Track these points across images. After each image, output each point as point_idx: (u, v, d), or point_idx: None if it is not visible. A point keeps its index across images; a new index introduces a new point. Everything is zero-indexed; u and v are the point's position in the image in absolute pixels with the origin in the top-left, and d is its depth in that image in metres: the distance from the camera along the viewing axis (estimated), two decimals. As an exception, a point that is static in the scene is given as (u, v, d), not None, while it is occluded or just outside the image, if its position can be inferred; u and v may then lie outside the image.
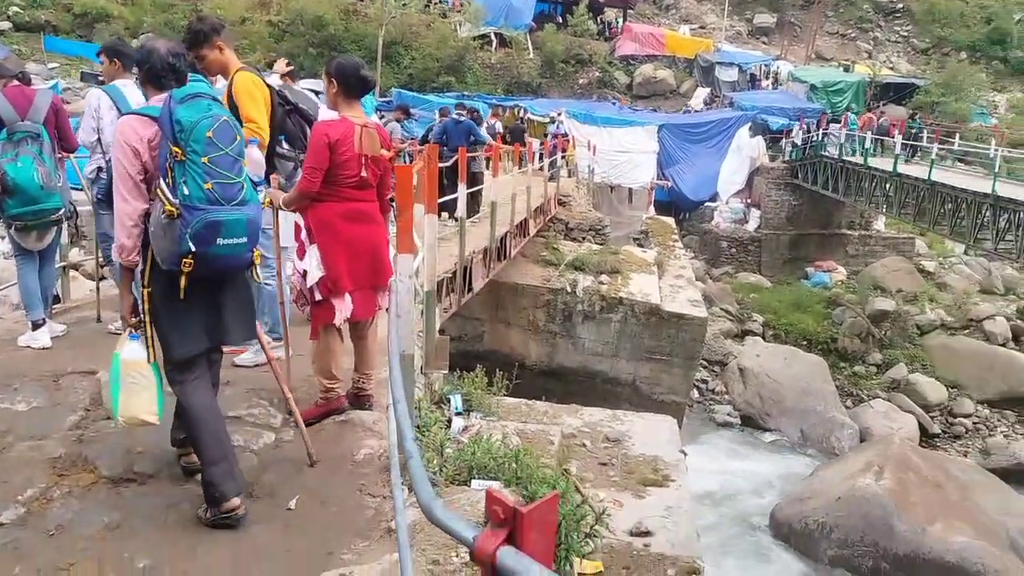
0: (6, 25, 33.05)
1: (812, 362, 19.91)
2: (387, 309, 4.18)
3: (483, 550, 1.11)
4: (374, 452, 3.85)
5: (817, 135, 25.83)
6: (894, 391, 19.84)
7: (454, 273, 8.59)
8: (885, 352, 21.15)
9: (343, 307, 4.05)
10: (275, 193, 4.18)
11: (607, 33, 41.16)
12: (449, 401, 5.38)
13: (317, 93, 6.30)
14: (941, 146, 20.90)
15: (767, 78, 37.85)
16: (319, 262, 3.96)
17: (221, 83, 4.90)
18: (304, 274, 4.01)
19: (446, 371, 5.43)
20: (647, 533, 4.67)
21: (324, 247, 3.97)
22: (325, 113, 5.14)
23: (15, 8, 33.96)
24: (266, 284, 4.83)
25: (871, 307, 21.89)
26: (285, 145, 4.70)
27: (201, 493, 3.23)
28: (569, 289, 15.23)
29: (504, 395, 6.38)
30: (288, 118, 4.65)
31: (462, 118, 13.17)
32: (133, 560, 2.99)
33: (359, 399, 4.35)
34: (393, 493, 1.94)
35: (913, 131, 24.73)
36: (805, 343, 21.55)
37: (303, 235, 4.07)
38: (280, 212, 4.26)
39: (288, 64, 6.24)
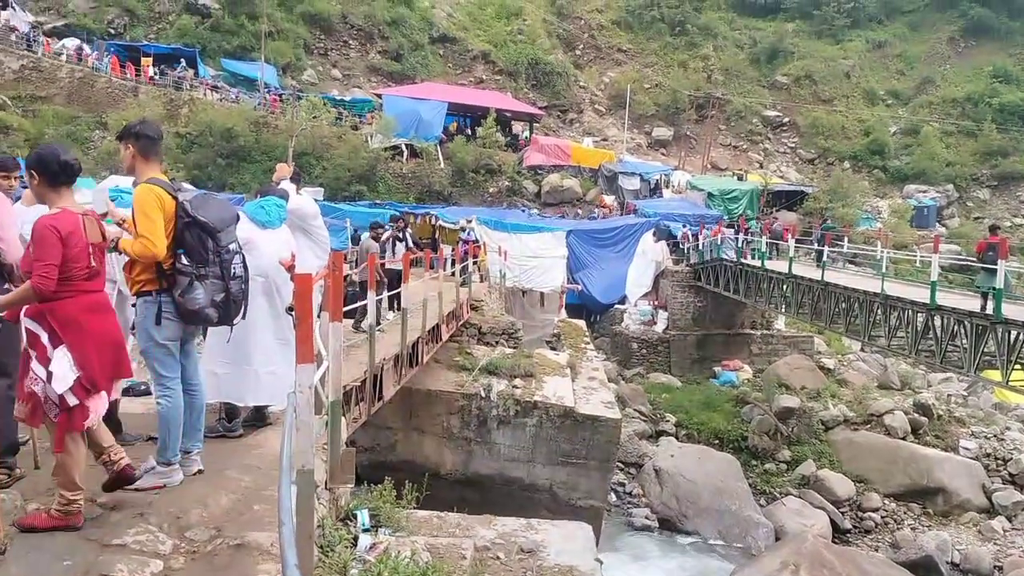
0: None
1: (725, 461, 20.13)
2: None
3: None
4: (271, 578, 3.60)
5: (736, 238, 26.49)
6: (804, 487, 20.15)
7: (363, 381, 8.38)
8: (793, 448, 21.57)
9: (99, 406, 3.89)
10: None
11: (516, 145, 42.61)
12: (356, 517, 5.15)
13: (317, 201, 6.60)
14: (832, 249, 22.10)
15: (667, 186, 39.68)
16: (72, 363, 3.76)
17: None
18: (49, 379, 3.72)
19: (352, 485, 5.21)
20: (564, 649, 4.49)
21: (75, 346, 3.79)
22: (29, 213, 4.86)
23: (-92, 118, 32.96)
24: (159, 402, 4.55)
25: (777, 404, 22.44)
26: (184, 259, 4.47)
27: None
28: (483, 394, 15.10)
29: (415, 508, 6.15)
30: (187, 231, 4.46)
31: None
32: None
33: (121, 475, 4.09)
34: (284, 625, 1.79)
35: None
36: (717, 442, 21.82)
37: (44, 339, 3.78)
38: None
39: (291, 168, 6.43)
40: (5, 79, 37.63)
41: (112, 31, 44.37)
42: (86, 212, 4.03)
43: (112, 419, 5.41)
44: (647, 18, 59.34)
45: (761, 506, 19.28)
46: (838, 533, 18.62)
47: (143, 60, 40.81)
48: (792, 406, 22.34)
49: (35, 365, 3.77)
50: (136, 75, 39.60)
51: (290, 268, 5.28)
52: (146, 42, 43.36)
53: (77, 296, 3.84)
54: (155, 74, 40.01)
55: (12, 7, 42.18)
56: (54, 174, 3.92)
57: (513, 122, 45.41)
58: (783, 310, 23.16)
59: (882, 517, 19.49)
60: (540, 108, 48.45)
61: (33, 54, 38.78)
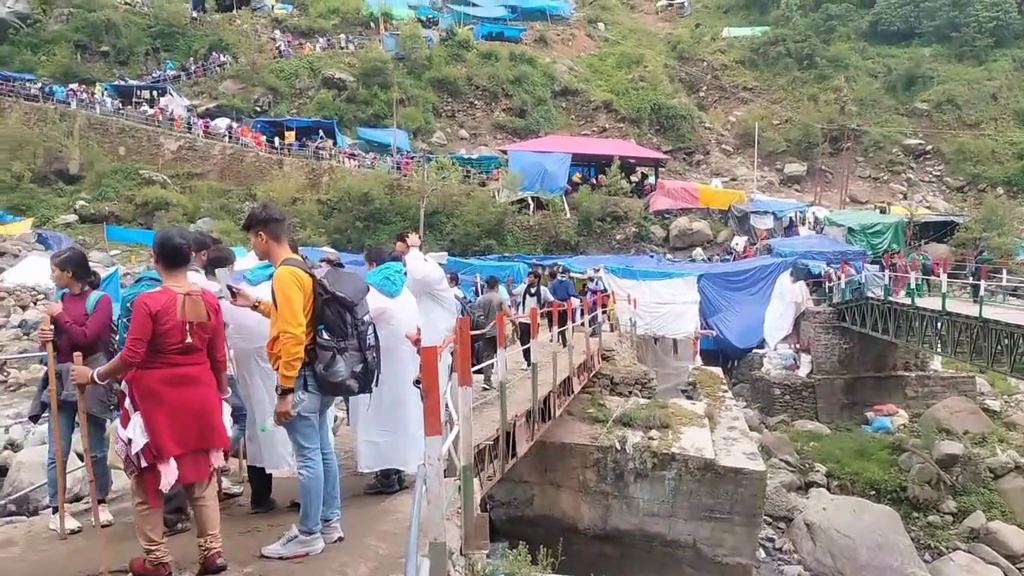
0: (72, 218, 35.31)
1: (883, 513, 18.80)
2: (413, 490, 4.04)
3: None
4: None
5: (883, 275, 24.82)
6: (974, 541, 18.54)
7: (496, 439, 8.40)
8: (959, 499, 19.94)
9: (168, 472, 4.07)
10: (81, 369, 4.26)
11: (641, 191, 42.40)
12: (492, 582, 5.13)
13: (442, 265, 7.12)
14: (989, 283, 20.54)
15: (803, 223, 38.24)
16: (143, 429, 4.03)
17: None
18: (129, 442, 4.05)
19: (487, 550, 5.20)
20: None
21: (147, 414, 4.05)
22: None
23: (81, 202, 36.40)
24: (300, 473, 4.65)
25: (938, 451, 20.86)
26: (325, 335, 4.59)
27: None
28: (618, 446, 14.83)
29: (551, 572, 6.07)
30: (327, 307, 4.59)
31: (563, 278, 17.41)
32: None
33: (208, 561, 4.22)
34: None
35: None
36: (873, 493, 20.47)
37: (127, 403, 4.13)
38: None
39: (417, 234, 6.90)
40: (165, 159, 41.17)
41: (258, 108, 47.82)
42: (190, 291, 4.25)
43: (264, 489, 5.65)
44: (772, 54, 58.19)
45: (926, 562, 17.85)
46: (1018, 593, 16.99)
47: (287, 134, 43.79)
48: (955, 452, 20.72)
49: (118, 425, 4.18)
50: (271, 146, 42.51)
51: (416, 342, 5.40)
52: (288, 117, 46.44)
53: (162, 368, 4.13)
54: (278, 146, 42.79)
55: (170, 93, 46.25)
56: (167, 257, 4.29)
57: (637, 168, 45.29)
58: (938, 350, 21.63)
59: (1068, 575, 17.64)
60: (665, 152, 48.16)
61: (189, 135, 42.23)
